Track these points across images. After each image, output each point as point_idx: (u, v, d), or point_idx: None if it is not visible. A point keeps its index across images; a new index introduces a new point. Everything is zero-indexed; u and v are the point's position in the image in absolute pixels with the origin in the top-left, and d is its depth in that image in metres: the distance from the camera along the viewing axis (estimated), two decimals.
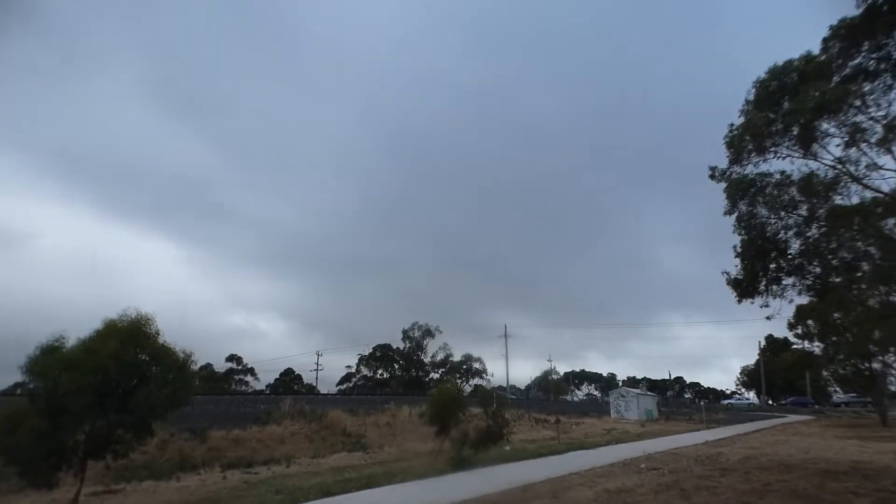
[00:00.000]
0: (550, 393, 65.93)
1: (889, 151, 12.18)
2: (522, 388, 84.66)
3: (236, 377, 66.45)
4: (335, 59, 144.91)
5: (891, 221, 14.03)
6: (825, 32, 12.00)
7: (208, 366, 58.81)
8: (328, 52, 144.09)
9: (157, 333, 9.26)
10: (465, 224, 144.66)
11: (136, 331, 8.93)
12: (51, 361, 8.14)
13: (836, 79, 12.15)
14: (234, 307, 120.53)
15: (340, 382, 72.52)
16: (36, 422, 7.77)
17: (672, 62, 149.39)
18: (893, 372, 29.93)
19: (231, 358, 66.77)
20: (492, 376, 72.00)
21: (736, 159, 13.86)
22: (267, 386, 66.93)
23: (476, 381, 70.73)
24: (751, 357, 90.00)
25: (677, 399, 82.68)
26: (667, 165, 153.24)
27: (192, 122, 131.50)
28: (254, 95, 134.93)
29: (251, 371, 67.95)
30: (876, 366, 32.59)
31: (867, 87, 11.88)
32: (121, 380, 8.50)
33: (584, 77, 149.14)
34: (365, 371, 72.41)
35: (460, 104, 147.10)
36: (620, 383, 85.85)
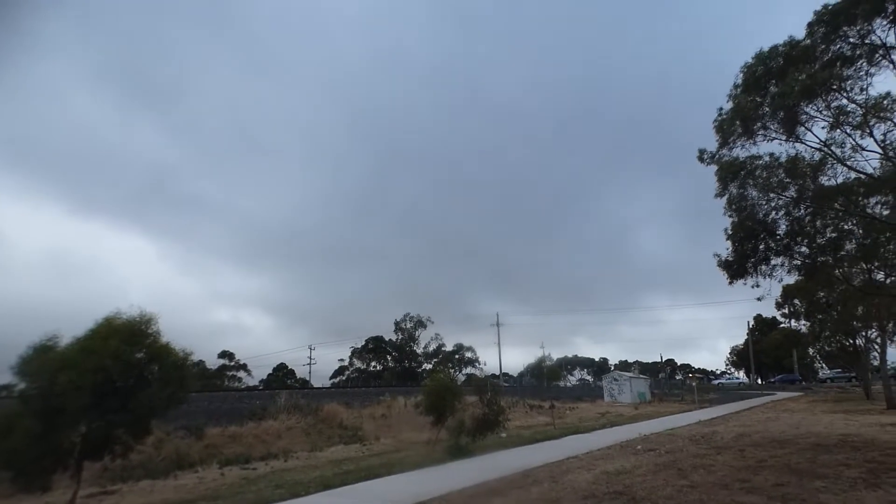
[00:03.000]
0: (544, 379, 66.46)
1: (870, 134, 12.41)
2: (515, 375, 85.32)
3: (229, 373, 66.28)
4: (294, 41, 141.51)
5: (873, 200, 14.31)
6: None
7: (201, 363, 58.50)
8: (286, 34, 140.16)
9: (159, 333, 9.17)
10: (444, 210, 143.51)
11: (136, 330, 8.83)
12: (45, 361, 8.01)
13: (820, 63, 12.29)
14: (215, 302, 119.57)
15: (334, 376, 72.77)
16: (30, 424, 7.66)
17: (651, 37, 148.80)
18: (876, 347, 30.59)
19: (223, 354, 66.67)
20: (484, 364, 72.47)
21: (724, 142, 13.96)
22: (260, 381, 66.82)
23: (469, 369, 71.17)
24: (739, 337, 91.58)
25: (669, 381, 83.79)
26: (643, 146, 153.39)
27: (150, 110, 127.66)
28: (213, 81, 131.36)
29: (244, 367, 67.90)
30: (859, 342, 33.31)
31: (848, 72, 12.10)
32: (120, 379, 8.42)
33: (557, 53, 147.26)
34: (358, 364, 72.53)
35: (426, 85, 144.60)
36: (612, 367, 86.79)
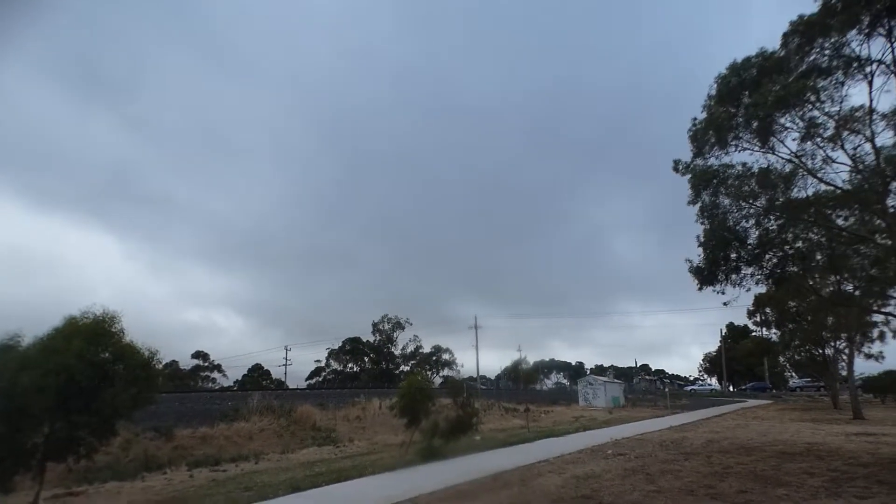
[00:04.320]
0: (520, 382, 66.73)
1: (842, 146, 12.67)
2: (493, 377, 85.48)
3: (203, 374, 65.22)
4: (262, 41, 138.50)
5: (842, 213, 14.67)
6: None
7: (173, 363, 57.51)
8: (253, 34, 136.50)
9: (122, 332, 8.96)
10: (417, 212, 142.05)
11: (100, 329, 8.62)
12: (5, 361, 7.79)
13: (794, 74, 12.54)
14: (186, 303, 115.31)
15: (310, 377, 71.82)
16: None
17: (626, 42, 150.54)
18: (844, 357, 31.36)
19: (197, 355, 65.52)
20: (461, 367, 72.41)
21: (699, 152, 14.19)
22: (235, 382, 65.75)
23: (446, 371, 71.11)
24: (712, 344, 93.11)
25: (643, 385, 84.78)
26: (618, 152, 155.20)
27: (106, 104, 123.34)
28: (177, 79, 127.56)
29: (218, 367, 66.82)
30: (828, 352, 34.13)
31: (823, 83, 12.32)
32: (84, 380, 8.20)
33: (530, 55, 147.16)
34: (335, 365, 71.87)
35: (397, 86, 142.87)
36: (588, 371, 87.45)
